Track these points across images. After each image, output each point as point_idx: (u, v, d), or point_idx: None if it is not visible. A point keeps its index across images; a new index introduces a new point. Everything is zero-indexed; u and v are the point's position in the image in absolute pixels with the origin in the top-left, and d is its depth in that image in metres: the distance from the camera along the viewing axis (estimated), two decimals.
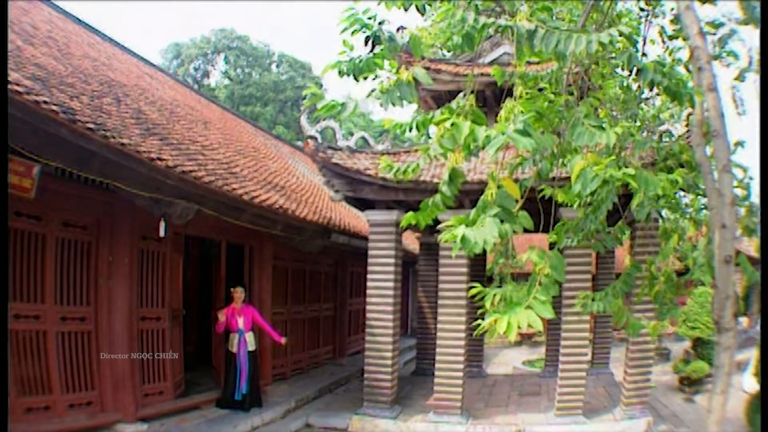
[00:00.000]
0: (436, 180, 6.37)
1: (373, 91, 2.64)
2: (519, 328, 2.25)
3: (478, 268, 9.60)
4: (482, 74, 6.60)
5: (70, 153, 4.16)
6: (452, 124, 2.38)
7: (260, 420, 6.47)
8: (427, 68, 8.46)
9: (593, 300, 3.82)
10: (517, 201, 2.80)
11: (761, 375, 2.92)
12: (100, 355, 5.21)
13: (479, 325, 2.21)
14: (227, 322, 6.49)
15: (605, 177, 2.51)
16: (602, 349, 9.23)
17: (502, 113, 3.15)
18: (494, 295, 2.78)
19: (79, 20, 8.85)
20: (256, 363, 6.73)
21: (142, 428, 5.31)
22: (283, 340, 6.98)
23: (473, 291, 3.16)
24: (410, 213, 3.41)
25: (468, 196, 6.52)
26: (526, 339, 16.05)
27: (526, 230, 2.54)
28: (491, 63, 7.76)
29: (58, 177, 4.68)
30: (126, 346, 5.35)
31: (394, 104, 2.63)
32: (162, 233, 5.19)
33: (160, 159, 4.55)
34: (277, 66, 25.88)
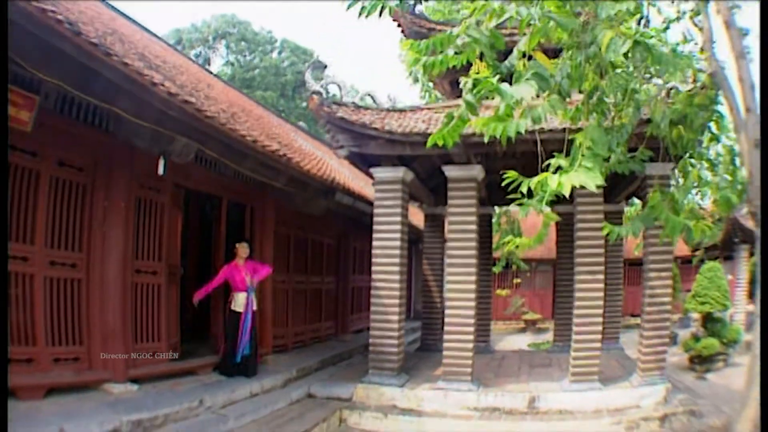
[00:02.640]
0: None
1: None
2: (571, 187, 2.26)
3: (485, 255, 9.35)
4: None
5: (73, 72, 3.92)
6: None
7: (259, 387, 6.18)
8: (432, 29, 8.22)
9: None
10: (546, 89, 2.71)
11: (761, 374, 2.75)
12: (90, 306, 4.90)
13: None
14: (231, 280, 6.20)
15: (635, 39, 2.51)
16: (612, 325, 8.95)
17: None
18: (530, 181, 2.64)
19: None
20: (255, 326, 6.43)
21: (132, 389, 5.00)
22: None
23: (510, 176, 2.94)
24: (437, 132, 3.19)
25: (473, 149, 6.29)
26: (530, 325, 15.80)
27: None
28: None
29: (57, 113, 4.46)
30: (119, 300, 5.04)
31: None
32: (161, 171, 4.92)
33: (162, 85, 4.25)
34: (279, 52, 25.58)
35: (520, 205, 3.07)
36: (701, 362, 8.93)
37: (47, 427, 3.71)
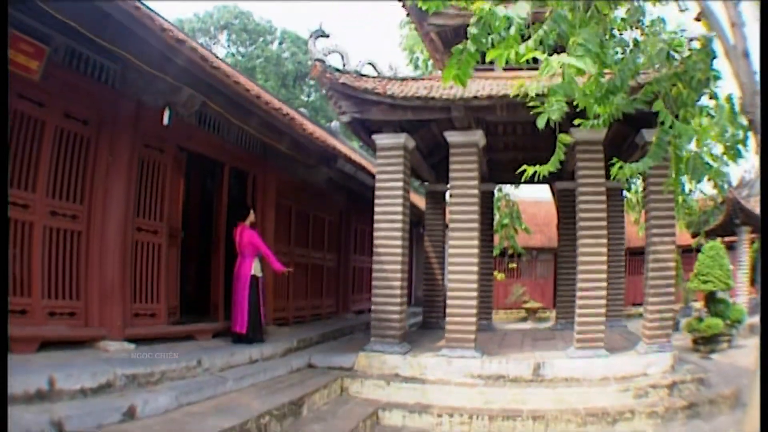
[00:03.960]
0: (445, 97, 6.07)
1: None
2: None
3: (486, 231, 9.29)
4: None
5: (85, 12, 3.91)
6: None
7: (259, 354, 6.08)
8: None
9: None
10: None
11: (761, 374, 2.67)
12: (89, 261, 4.80)
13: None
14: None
15: None
16: (615, 303, 8.88)
17: None
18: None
19: None
20: (258, 292, 6.34)
21: (129, 347, 4.89)
22: (284, 269, 6.59)
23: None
24: (450, 66, 3.12)
25: (476, 113, 6.26)
26: (531, 314, 15.72)
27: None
28: None
29: (65, 67, 4.51)
30: (118, 256, 4.95)
31: None
32: (166, 121, 4.92)
33: (170, 32, 4.21)
34: (280, 43, 25.53)
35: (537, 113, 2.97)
36: (705, 343, 8.86)
37: (36, 375, 3.58)
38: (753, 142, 3.26)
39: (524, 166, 3.60)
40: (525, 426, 5.21)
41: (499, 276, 15.44)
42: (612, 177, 3.70)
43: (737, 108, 4.29)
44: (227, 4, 25.47)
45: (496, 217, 12.26)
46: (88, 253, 4.81)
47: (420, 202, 11.43)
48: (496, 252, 12.37)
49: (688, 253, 15.69)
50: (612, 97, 3.47)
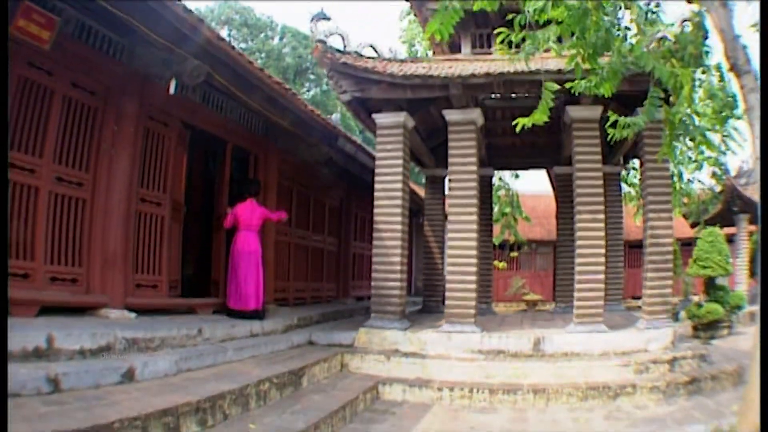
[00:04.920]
0: (443, 74, 6.13)
1: None
2: None
3: (485, 216, 9.33)
4: None
5: None
6: None
7: (260, 328, 6.11)
8: None
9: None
10: None
11: (761, 374, 2.69)
12: (92, 228, 4.83)
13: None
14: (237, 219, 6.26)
15: None
16: (614, 287, 8.92)
17: None
18: None
19: None
20: (259, 268, 6.37)
21: (130, 316, 4.92)
22: (284, 215, 6.74)
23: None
24: (433, 22, 3.18)
25: (474, 91, 6.36)
26: (531, 306, 15.70)
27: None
28: None
29: (75, 39, 4.63)
30: (122, 225, 4.98)
31: None
32: (172, 90, 5.03)
33: (178, 2, 4.29)
34: (280, 38, 25.61)
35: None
36: (705, 329, 8.88)
37: (35, 333, 3.54)
38: (741, 102, 3.28)
39: (518, 119, 3.62)
40: (526, 399, 5.21)
41: (500, 265, 15.47)
42: (610, 138, 3.73)
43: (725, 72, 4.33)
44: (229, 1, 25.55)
45: (496, 207, 12.30)
46: (92, 220, 4.84)
47: (420, 192, 11.48)
48: (496, 242, 12.42)
49: (687, 246, 15.74)
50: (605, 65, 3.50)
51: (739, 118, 3.57)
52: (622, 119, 3.54)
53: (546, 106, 3.44)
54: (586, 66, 3.40)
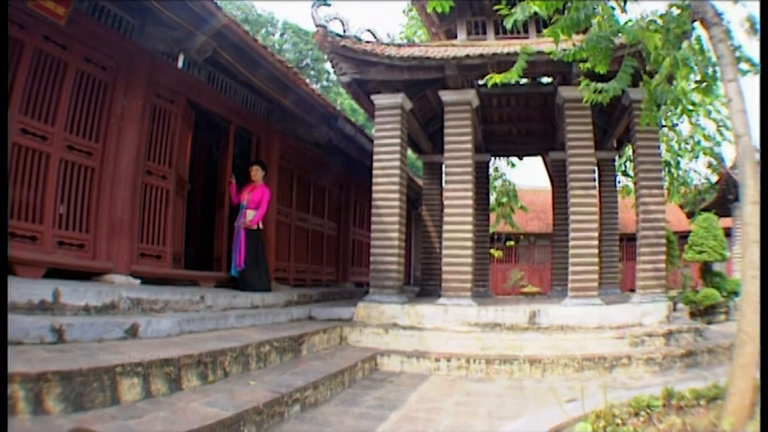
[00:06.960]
0: (439, 56, 6.28)
1: None
2: None
3: (482, 201, 9.46)
4: None
5: None
6: None
7: (261, 301, 6.24)
8: None
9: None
10: None
11: (761, 375, 2.78)
12: (100, 197, 4.96)
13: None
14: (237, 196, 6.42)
15: None
16: (610, 271, 9.04)
17: None
18: None
19: None
20: (260, 243, 6.50)
21: (134, 282, 5.04)
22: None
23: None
24: None
25: (469, 72, 6.49)
26: (529, 298, 15.87)
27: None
28: None
29: (89, 16, 4.86)
30: (128, 194, 5.12)
31: None
32: (180, 65, 5.15)
33: None
34: (281, 34, 25.75)
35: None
36: (702, 315, 8.98)
37: (41, 288, 3.60)
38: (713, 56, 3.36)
39: (492, 75, 3.73)
40: (522, 370, 5.31)
41: (496, 253, 15.57)
42: (587, 100, 3.82)
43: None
44: None
45: (493, 197, 12.41)
46: (100, 189, 4.98)
47: (418, 183, 11.60)
48: (492, 230, 12.54)
49: (684, 238, 15.85)
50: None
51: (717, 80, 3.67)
52: (593, 84, 3.66)
53: (520, 66, 3.59)
54: (565, 37, 3.51)
